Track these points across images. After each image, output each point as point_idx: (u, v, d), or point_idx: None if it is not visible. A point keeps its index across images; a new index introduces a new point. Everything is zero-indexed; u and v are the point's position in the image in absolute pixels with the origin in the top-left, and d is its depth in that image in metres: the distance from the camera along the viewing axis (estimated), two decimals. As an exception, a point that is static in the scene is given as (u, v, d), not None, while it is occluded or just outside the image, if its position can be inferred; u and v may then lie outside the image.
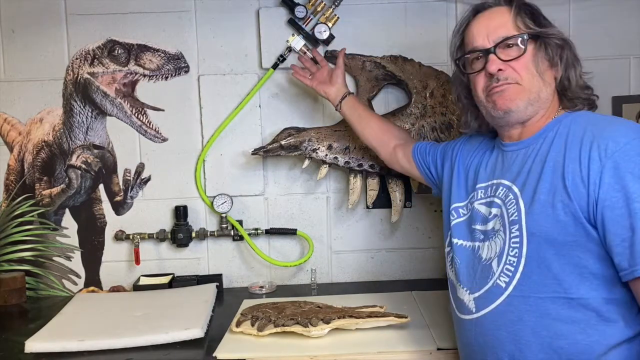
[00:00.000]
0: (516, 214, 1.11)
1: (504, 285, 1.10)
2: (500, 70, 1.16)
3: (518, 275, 1.08)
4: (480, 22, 1.21)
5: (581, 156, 1.04)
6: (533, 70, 1.16)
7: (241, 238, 1.90)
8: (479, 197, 1.24)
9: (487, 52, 1.17)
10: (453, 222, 1.29)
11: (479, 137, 1.36)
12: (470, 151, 1.35)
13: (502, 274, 1.11)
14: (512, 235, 1.11)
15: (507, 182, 1.17)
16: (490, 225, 1.17)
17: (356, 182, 1.83)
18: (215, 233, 1.90)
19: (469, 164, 1.33)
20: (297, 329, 1.42)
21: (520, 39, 1.16)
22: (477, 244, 1.20)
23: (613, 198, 1.00)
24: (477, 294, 1.15)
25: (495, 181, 1.21)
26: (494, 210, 1.17)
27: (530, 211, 1.08)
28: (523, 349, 1.07)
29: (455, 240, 1.25)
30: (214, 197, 1.87)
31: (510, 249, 1.10)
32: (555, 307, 1.05)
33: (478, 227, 1.21)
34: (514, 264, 1.09)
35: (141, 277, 1.88)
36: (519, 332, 1.08)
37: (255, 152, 1.80)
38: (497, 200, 1.17)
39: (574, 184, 1.03)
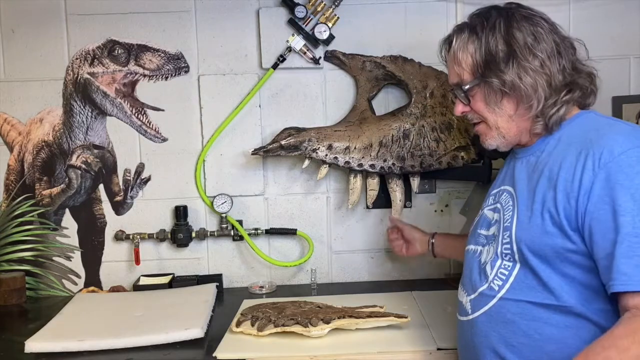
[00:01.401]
0: (509, 220, 1.11)
1: (497, 288, 1.11)
2: (463, 112, 1.20)
3: (511, 280, 1.09)
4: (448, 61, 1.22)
5: (576, 165, 1.02)
6: (490, 108, 1.15)
7: (241, 238, 1.90)
8: (489, 203, 1.25)
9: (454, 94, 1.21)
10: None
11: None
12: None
13: (495, 278, 1.11)
14: (504, 241, 1.11)
15: (510, 188, 1.17)
16: (492, 231, 1.18)
17: (356, 182, 1.82)
18: (215, 233, 1.90)
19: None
20: (297, 329, 1.42)
21: (460, 90, 1.17)
22: (479, 247, 1.20)
23: (601, 210, 0.97)
24: (472, 296, 1.16)
25: (503, 187, 1.22)
26: (496, 216, 1.18)
27: (520, 219, 1.09)
28: (515, 351, 1.07)
29: (466, 247, 1.27)
30: (214, 197, 1.87)
31: (504, 254, 1.11)
32: (547, 312, 1.05)
33: (482, 231, 1.22)
34: (508, 269, 1.10)
35: (141, 277, 1.88)
36: (511, 334, 1.08)
37: (255, 152, 1.80)
38: (499, 206, 1.18)
39: (564, 194, 1.02)
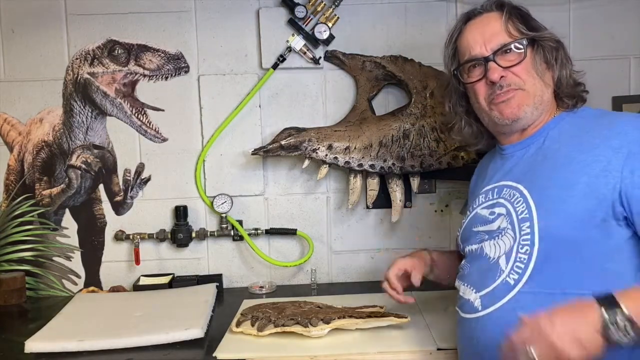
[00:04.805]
0: (526, 211, 1.10)
1: (512, 282, 1.09)
2: (502, 77, 1.16)
3: (528, 272, 1.08)
4: (474, 30, 1.22)
5: (595, 148, 1.06)
6: (534, 73, 1.17)
7: (241, 238, 1.90)
8: (480, 202, 1.25)
9: (486, 60, 1.18)
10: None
11: (480, 165, 1.39)
12: (473, 182, 1.39)
13: (511, 272, 1.10)
14: (522, 233, 1.10)
15: (511, 183, 1.17)
16: (495, 225, 1.17)
17: (356, 182, 1.83)
18: (215, 233, 1.90)
19: (473, 187, 1.38)
20: (297, 329, 1.41)
21: (518, 44, 1.17)
22: (482, 244, 1.19)
23: (638, 179, 1.01)
24: (483, 292, 1.14)
25: (497, 184, 1.21)
26: (498, 210, 1.17)
27: (541, 208, 1.08)
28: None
29: (467, 248, 1.26)
30: (214, 197, 1.87)
31: (520, 246, 1.10)
32: (565, 303, 1.03)
33: (481, 228, 1.21)
34: (524, 261, 1.09)
35: (141, 277, 1.88)
36: None
37: (255, 152, 1.80)
38: (501, 201, 1.17)
39: (590, 177, 1.04)
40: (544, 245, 1.07)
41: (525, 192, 1.13)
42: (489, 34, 1.19)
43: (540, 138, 1.17)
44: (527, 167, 1.16)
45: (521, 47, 1.17)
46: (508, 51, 1.17)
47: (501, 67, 1.17)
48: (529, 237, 1.09)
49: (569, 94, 1.20)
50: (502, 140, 1.26)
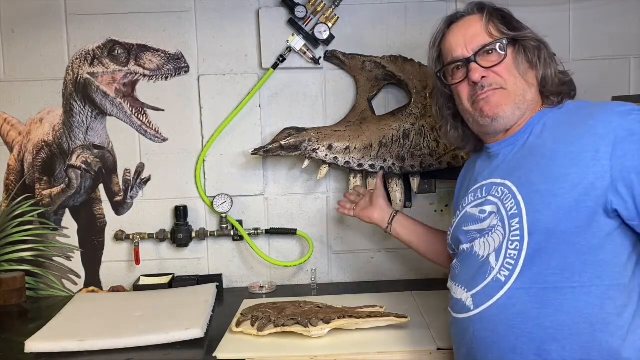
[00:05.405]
0: (515, 207, 1.11)
1: (503, 279, 1.09)
2: (483, 77, 1.18)
3: (519, 268, 1.07)
4: (456, 33, 1.24)
5: (581, 139, 1.06)
6: (516, 72, 1.18)
7: (241, 238, 1.90)
8: (469, 201, 1.25)
9: (467, 61, 1.20)
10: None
11: (467, 164, 1.41)
12: (460, 182, 1.41)
13: (502, 269, 1.10)
14: (512, 229, 1.10)
15: (499, 180, 1.18)
16: (486, 224, 1.17)
17: (356, 182, 1.83)
18: (215, 233, 1.90)
19: (460, 187, 1.40)
20: (297, 329, 1.42)
21: (499, 45, 1.18)
22: (472, 243, 1.19)
23: (629, 163, 1.02)
24: (474, 291, 1.14)
25: (485, 182, 1.22)
26: (488, 208, 1.17)
27: (530, 202, 1.09)
28: (526, 342, 1.05)
29: (459, 248, 1.26)
30: (214, 197, 1.87)
31: (510, 242, 1.10)
32: (558, 297, 1.04)
33: (472, 227, 1.21)
34: (514, 257, 1.08)
35: (141, 277, 1.88)
36: (521, 325, 1.06)
37: (255, 152, 1.80)
38: (490, 198, 1.18)
39: (580, 167, 1.05)
40: (533, 240, 1.07)
41: (514, 188, 1.13)
42: (469, 35, 1.21)
43: (525, 135, 1.18)
44: (514, 164, 1.17)
45: (502, 47, 1.18)
46: (490, 52, 1.19)
47: (483, 67, 1.18)
48: (518, 232, 1.09)
49: (554, 92, 1.21)
50: (487, 140, 1.26)
